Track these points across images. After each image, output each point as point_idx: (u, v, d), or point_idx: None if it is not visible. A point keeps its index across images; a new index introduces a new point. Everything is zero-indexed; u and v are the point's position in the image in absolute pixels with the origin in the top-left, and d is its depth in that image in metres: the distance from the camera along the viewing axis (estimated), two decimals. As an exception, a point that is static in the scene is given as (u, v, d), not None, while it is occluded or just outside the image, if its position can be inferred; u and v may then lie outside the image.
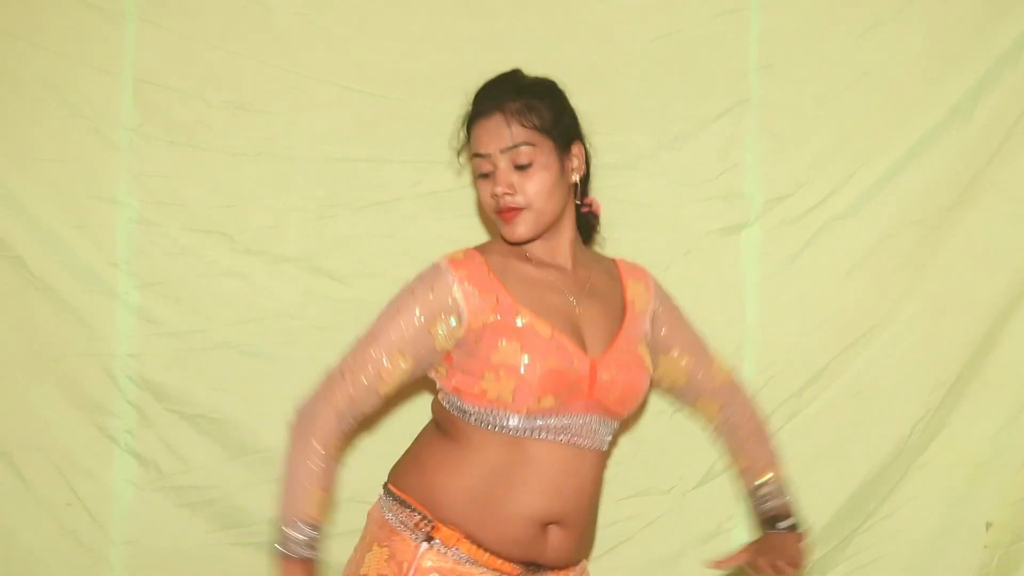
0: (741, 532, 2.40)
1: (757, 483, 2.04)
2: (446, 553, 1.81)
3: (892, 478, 2.40)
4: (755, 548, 1.98)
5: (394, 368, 1.84)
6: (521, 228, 1.85)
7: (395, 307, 1.86)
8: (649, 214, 2.42)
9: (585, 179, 1.97)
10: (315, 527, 1.81)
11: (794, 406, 2.41)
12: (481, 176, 1.89)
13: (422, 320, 1.82)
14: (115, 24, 2.38)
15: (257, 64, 2.40)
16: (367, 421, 2.19)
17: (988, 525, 2.44)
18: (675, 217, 2.41)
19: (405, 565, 1.81)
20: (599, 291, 1.93)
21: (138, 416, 2.41)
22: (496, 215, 1.87)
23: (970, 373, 2.40)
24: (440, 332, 1.83)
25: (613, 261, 2.02)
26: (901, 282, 2.41)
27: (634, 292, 1.97)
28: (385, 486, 1.94)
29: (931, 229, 2.39)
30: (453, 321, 1.82)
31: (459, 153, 1.99)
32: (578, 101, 2.37)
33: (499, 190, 1.84)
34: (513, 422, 1.80)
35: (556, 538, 1.84)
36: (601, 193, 2.39)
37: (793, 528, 2.01)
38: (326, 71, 2.39)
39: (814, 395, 2.42)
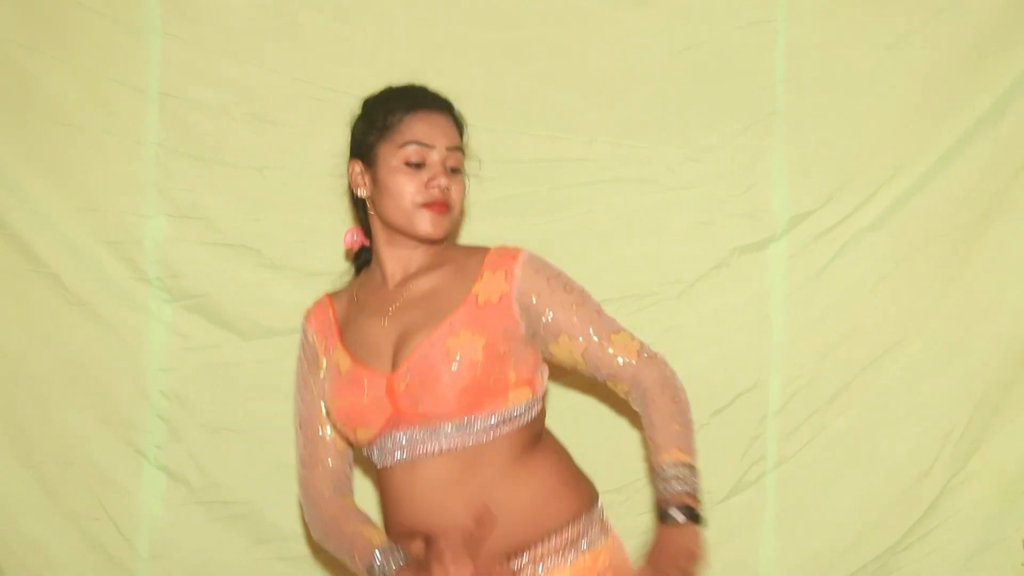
0: (769, 547, 2.45)
1: (655, 466, 1.86)
2: None
3: (928, 495, 2.43)
4: (645, 561, 1.80)
5: (335, 439, 1.98)
6: (438, 229, 1.90)
7: (297, 384, 2.02)
8: (674, 228, 2.46)
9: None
10: (384, 547, 1.85)
11: (821, 420, 2.46)
12: (410, 165, 1.89)
13: (314, 386, 1.97)
14: (140, 38, 2.45)
15: (282, 77, 2.46)
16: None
17: (1025, 542, 2.48)
18: (701, 231, 2.46)
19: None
20: (432, 294, 1.90)
21: (168, 431, 2.48)
22: (422, 208, 1.88)
23: (1002, 388, 2.43)
24: (322, 374, 1.96)
25: (485, 251, 1.93)
26: (928, 296, 2.44)
27: (485, 284, 1.88)
28: None
29: (958, 242, 2.43)
30: (320, 371, 1.97)
31: (353, 122, 2.01)
32: (602, 113, 2.46)
33: (444, 182, 1.88)
34: (368, 455, 1.92)
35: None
36: (626, 206, 2.45)
37: (677, 520, 1.79)
38: (351, 84, 2.40)
39: (841, 409, 2.45)
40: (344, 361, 1.91)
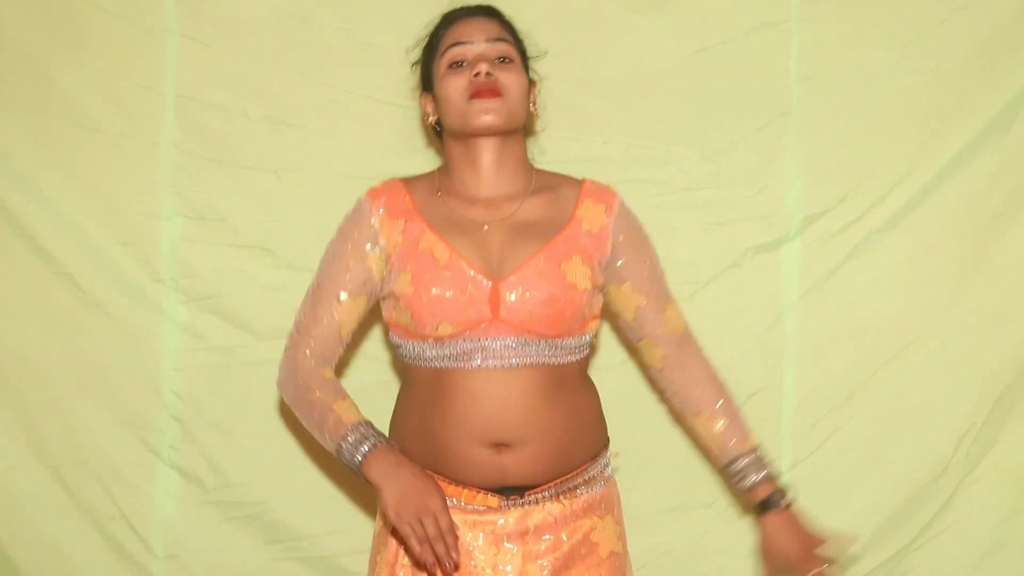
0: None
1: (729, 458, 2.01)
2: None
3: (941, 495, 2.45)
4: (764, 558, 1.95)
5: (345, 309, 1.96)
6: (492, 115, 1.89)
7: (330, 251, 2.00)
8: (688, 229, 2.48)
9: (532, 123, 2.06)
10: (361, 422, 1.88)
11: (835, 420, 2.48)
12: (454, 67, 1.93)
13: (355, 255, 1.95)
14: (156, 41, 2.47)
15: (298, 79, 2.48)
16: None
17: (1039, 543, 2.48)
18: (715, 232, 2.48)
19: (381, 550, 1.97)
20: (531, 219, 1.94)
21: (182, 431, 2.50)
22: (470, 99, 1.89)
23: (1017, 387, 2.45)
24: (373, 264, 1.94)
25: (580, 182, 2.02)
26: (942, 295, 2.46)
27: (587, 211, 1.96)
28: None
29: (972, 241, 2.44)
30: (377, 249, 1.94)
31: (415, 64, 2.05)
32: (617, 114, 2.47)
33: (484, 67, 1.89)
34: (429, 352, 1.90)
35: (514, 459, 1.88)
36: (641, 205, 2.46)
37: (780, 505, 1.99)
38: (367, 86, 2.47)
39: (856, 409, 2.47)
40: (440, 248, 1.89)
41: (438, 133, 2.03)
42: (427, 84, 2.02)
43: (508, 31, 1.99)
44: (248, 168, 2.48)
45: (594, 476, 1.96)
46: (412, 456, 1.89)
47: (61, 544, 2.51)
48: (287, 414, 2.50)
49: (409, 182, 2.01)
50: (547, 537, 1.90)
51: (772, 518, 1.98)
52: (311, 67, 2.48)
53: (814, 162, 2.46)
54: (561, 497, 1.92)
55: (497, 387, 1.87)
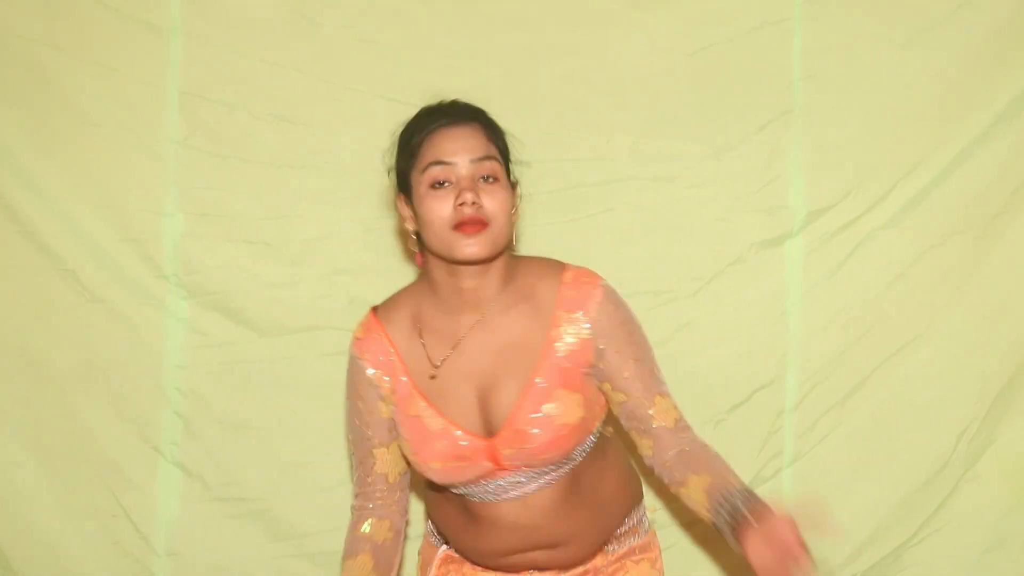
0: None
1: (719, 494, 1.82)
2: (457, 554, 1.98)
3: (942, 490, 2.47)
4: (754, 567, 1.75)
5: (385, 462, 1.98)
6: (478, 247, 1.80)
7: (349, 415, 2.01)
8: (692, 225, 2.49)
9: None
10: None
11: (838, 417, 2.49)
12: (436, 186, 1.81)
13: (368, 410, 1.95)
14: (160, 38, 2.48)
15: (302, 76, 2.49)
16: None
17: (1039, 539, 2.51)
18: (718, 228, 2.49)
19: (428, 567, 2.01)
20: (511, 338, 1.88)
21: (184, 427, 2.51)
22: (453, 230, 1.80)
23: (1017, 384, 2.47)
24: (387, 409, 1.95)
25: (558, 284, 1.88)
26: (945, 292, 2.47)
27: (564, 330, 1.87)
28: None
29: (975, 239, 2.46)
30: (381, 398, 1.95)
31: (390, 170, 1.95)
32: (621, 112, 2.49)
33: (469, 197, 1.78)
34: (446, 490, 1.95)
35: (544, 556, 1.94)
36: (645, 204, 2.49)
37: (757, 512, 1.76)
38: (370, 83, 2.48)
39: (858, 406, 2.49)
40: (430, 417, 1.88)
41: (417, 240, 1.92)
42: (404, 187, 1.90)
43: (493, 140, 1.88)
44: (252, 164, 2.49)
45: (628, 530, 2.01)
46: (444, 537, 2.02)
47: (62, 541, 2.51)
48: (290, 411, 2.51)
49: (386, 319, 1.94)
50: None
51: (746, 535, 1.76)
52: (315, 64, 2.49)
53: (817, 159, 2.48)
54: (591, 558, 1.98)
55: (519, 512, 1.91)
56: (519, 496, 1.89)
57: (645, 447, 1.93)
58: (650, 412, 1.90)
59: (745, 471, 2.45)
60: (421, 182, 1.83)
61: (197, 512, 2.52)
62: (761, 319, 2.49)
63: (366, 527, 1.97)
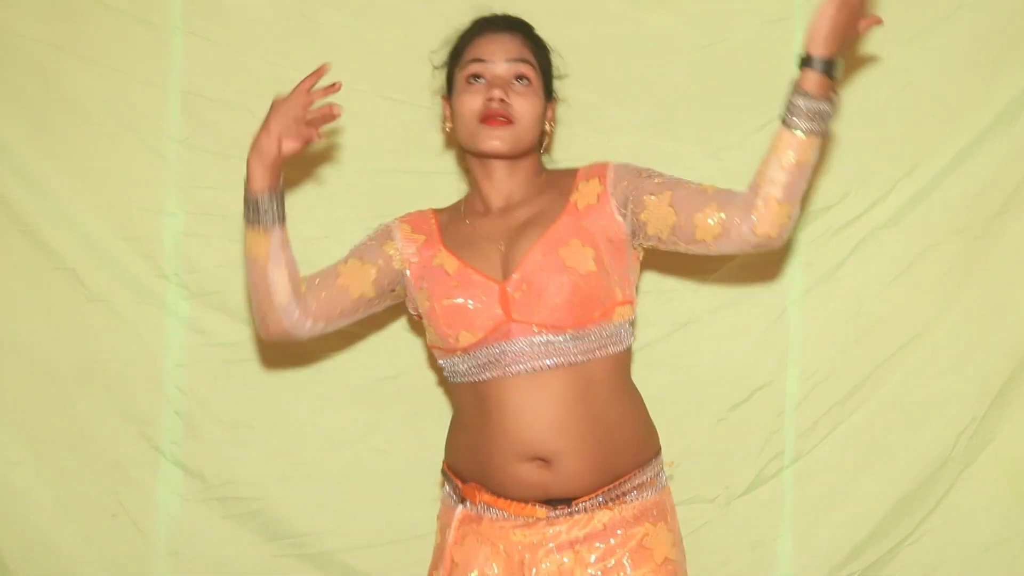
0: (787, 541, 2.49)
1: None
2: (475, 510, 1.96)
3: (940, 488, 2.48)
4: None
5: (351, 269, 2.03)
6: (500, 141, 1.94)
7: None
8: (693, 224, 2.49)
9: (549, 141, 2.07)
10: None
11: (838, 415, 2.50)
12: (471, 81, 1.98)
13: (374, 240, 2.06)
14: (161, 37, 2.50)
15: (302, 76, 2.44)
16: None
17: (1042, 534, 2.51)
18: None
19: (447, 529, 1.99)
20: (533, 218, 1.98)
21: (184, 427, 2.52)
22: (480, 123, 1.95)
23: (1017, 382, 2.47)
24: (391, 252, 2.02)
25: (575, 172, 2.03)
26: (945, 291, 2.48)
27: (581, 192, 1.98)
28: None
29: (975, 238, 2.47)
30: (394, 248, 2.03)
31: (439, 67, 2.11)
32: (622, 110, 2.50)
33: (497, 93, 1.94)
34: (461, 366, 1.95)
35: (554, 474, 1.89)
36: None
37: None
38: (372, 83, 2.49)
39: (858, 404, 2.50)
40: (450, 262, 1.97)
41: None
42: (447, 87, 2.07)
43: (532, 50, 2.03)
44: (252, 164, 2.49)
45: (644, 482, 1.96)
46: (464, 473, 1.98)
47: (61, 540, 2.52)
48: (290, 410, 2.52)
49: (438, 210, 2.10)
50: (598, 545, 1.91)
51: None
52: (315, 63, 2.46)
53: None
54: (611, 504, 1.92)
55: (527, 396, 1.89)
56: (528, 371, 1.88)
57: (714, 220, 1.86)
58: (699, 187, 1.91)
59: (746, 470, 2.50)
60: (460, 78, 2.00)
61: (197, 511, 2.52)
62: (762, 318, 2.50)
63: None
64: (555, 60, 2.09)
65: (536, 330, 1.89)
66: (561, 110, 2.44)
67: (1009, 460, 2.48)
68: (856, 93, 2.47)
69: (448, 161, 2.49)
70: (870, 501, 2.48)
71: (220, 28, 2.49)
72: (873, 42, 2.47)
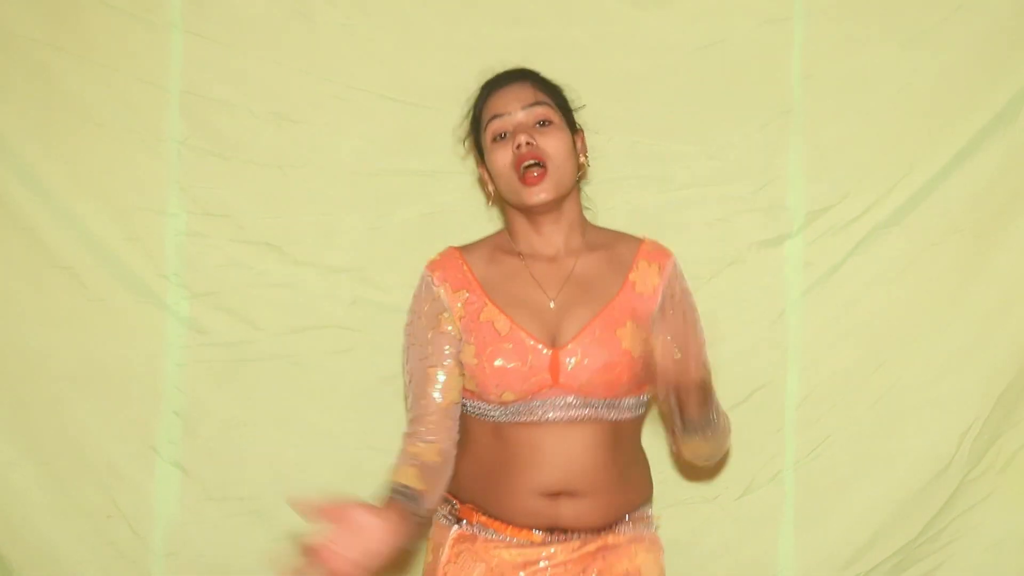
0: (787, 542, 2.49)
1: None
2: (470, 530, 1.99)
3: (945, 491, 2.47)
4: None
5: (449, 387, 2.00)
6: (543, 193, 1.97)
7: (409, 336, 2.07)
8: (692, 225, 2.51)
9: (583, 173, 2.11)
10: (399, 483, 1.91)
11: (838, 416, 2.50)
12: (497, 139, 2.02)
13: (432, 328, 2.01)
14: (161, 37, 2.50)
15: (302, 76, 2.52)
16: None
17: (1047, 535, 2.50)
18: (718, 228, 2.51)
19: (440, 548, 2.01)
20: (588, 277, 2.03)
21: (183, 427, 2.51)
22: (518, 179, 1.98)
23: (1020, 383, 2.47)
24: (450, 328, 2.00)
25: (638, 242, 2.09)
26: (945, 291, 2.48)
27: (640, 273, 2.04)
28: None
29: (975, 238, 2.47)
30: (447, 315, 2.01)
31: (464, 139, 2.15)
32: (621, 110, 2.51)
33: (523, 138, 1.97)
34: (493, 412, 1.97)
35: (570, 507, 1.96)
36: (644, 202, 2.50)
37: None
38: (372, 82, 2.51)
39: (858, 405, 2.50)
40: (500, 321, 1.98)
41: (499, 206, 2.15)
42: (479, 155, 2.12)
43: (544, 90, 2.07)
44: (252, 164, 2.51)
45: (638, 517, 2.04)
46: (462, 495, 2.00)
47: (58, 541, 2.50)
48: (289, 411, 2.52)
49: (465, 251, 2.09)
50: (590, 566, 1.97)
51: None
52: (316, 64, 2.51)
53: (817, 159, 2.49)
54: (604, 532, 1.99)
55: (560, 440, 1.95)
56: (562, 420, 1.94)
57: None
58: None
59: (745, 471, 2.50)
60: (487, 140, 2.05)
61: (195, 512, 2.51)
62: (761, 319, 2.50)
63: (415, 448, 1.99)
64: (569, 95, 2.12)
65: (576, 394, 1.95)
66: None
67: (1013, 461, 2.48)
68: (855, 93, 2.49)
69: (446, 160, 2.49)
70: (871, 501, 2.48)
71: (219, 28, 2.50)
72: (873, 42, 2.49)
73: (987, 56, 2.46)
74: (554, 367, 1.94)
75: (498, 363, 1.94)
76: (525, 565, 1.96)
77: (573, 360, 1.94)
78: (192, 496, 2.52)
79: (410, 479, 1.90)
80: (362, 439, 2.50)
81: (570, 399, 1.95)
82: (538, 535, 1.96)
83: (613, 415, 1.97)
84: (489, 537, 1.98)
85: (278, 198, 2.51)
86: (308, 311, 2.51)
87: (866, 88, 2.48)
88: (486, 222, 2.46)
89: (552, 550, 1.96)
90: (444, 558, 2.00)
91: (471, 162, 2.46)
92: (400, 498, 1.86)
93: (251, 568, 2.51)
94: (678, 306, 2.05)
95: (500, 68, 2.43)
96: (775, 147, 2.50)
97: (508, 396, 1.95)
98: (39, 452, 2.50)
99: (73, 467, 2.51)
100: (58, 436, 2.51)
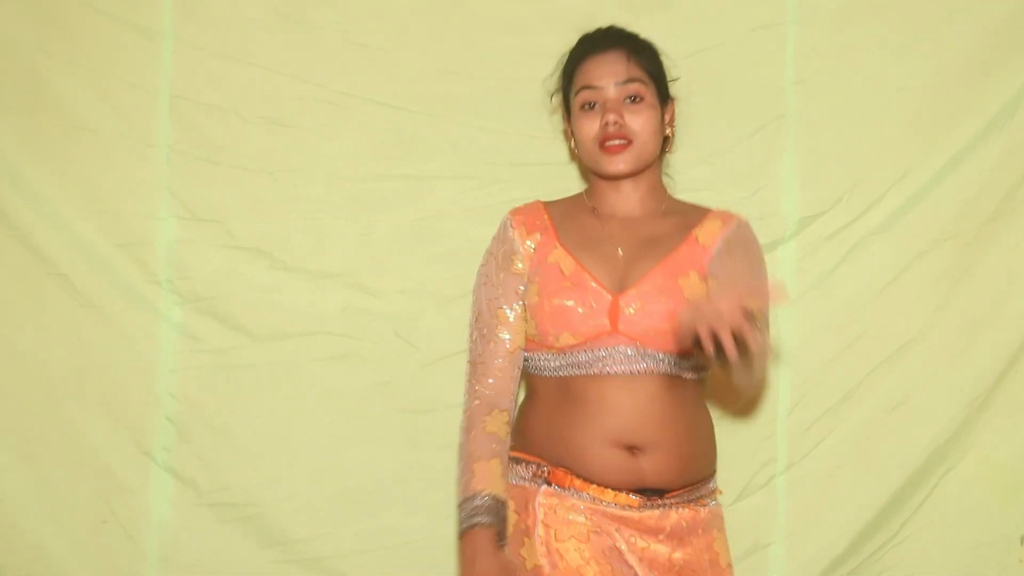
0: (779, 548, 2.50)
1: None
2: (562, 493, 2.01)
3: (923, 490, 2.49)
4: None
5: (514, 326, 2.08)
6: (622, 164, 2.06)
7: (481, 275, 2.16)
8: (685, 230, 2.50)
9: (670, 144, 2.21)
10: (482, 495, 1.98)
11: (829, 422, 2.50)
12: (585, 107, 2.09)
13: (504, 268, 2.09)
14: (151, 42, 2.50)
15: (293, 81, 2.51)
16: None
17: (1023, 539, 2.52)
18: (712, 233, 2.50)
19: (529, 504, 2.02)
20: (658, 236, 2.09)
21: (177, 433, 2.52)
22: (599, 149, 2.07)
23: (1004, 388, 2.48)
24: (521, 270, 2.07)
25: (709, 209, 2.16)
26: (936, 298, 2.49)
27: (704, 228, 2.10)
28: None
29: (966, 245, 2.48)
30: (518, 258, 2.08)
31: (552, 95, 2.26)
32: (615, 116, 2.48)
33: (612, 117, 2.04)
34: (552, 362, 2.02)
35: (648, 462, 2.00)
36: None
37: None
38: (363, 88, 2.50)
39: (849, 411, 2.50)
40: (567, 262, 2.04)
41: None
42: (565, 108, 2.20)
43: (639, 63, 2.12)
44: (244, 169, 2.50)
45: (714, 491, 2.13)
46: (547, 459, 2.02)
47: (52, 547, 2.50)
48: (282, 417, 2.52)
49: (549, 204, 2.18)
50: (679, 540, 2.02)
51: None
52: (306, 68, 2.51)
53: (810, 165, 2.50)
54: (692, 504, 2.05)
55: (625, 392, 1.99)
56: (625, 373, 1.98)
57: None
58: None
59: (738, 477, 2.50)
60: (575, 104, 2.12)
61: (189, 517, 2.51)
62: (754, 324, 2.50)
63: (489, 423, 2.05)
64: (666, 62, 2.19)
65: (638, 345, 1.97)
66: (554, 116, 2.47)
67: (991, 464, 2.49)
68: (848, 98, 2.49)
69: (438, 165, 2.49)
70: (863, 507, 2.49)
71: (209, 33, 2.49)
72: (866, 47, 2.49)
73: (980, 62, 2.46)
74: (613, 313, 1.98)
75: (557, 301, 2.00)
76: (621, 522, 1.99)
77: (633, 307, 1.98)
78: (186, 502, 2.52)
79: (497, 484, 1.99)
80: (354, 446, 2.51)
81: (630, 351, 1.98)
82: (634, 499, 1.99)
83: (674, 370, 2.00)
84: (575, 503, 2.00)
85: (269, 203, 2.50)
86: (300, 317, 2.51)
87: (859, 94, 2.48)
88: (480, 227, 2.45)
89: (647, 514, 2.00)
90: (540, 515, 2.01)
91: (465, 168, 2.47)
92: (498, 521, 1.97)
93: (244, 574, 2.53)
94: (742, 252, 2.08)
95: (496, 74, 2.48)
96: (768, 152, 2.50)
97: (566, 339, 1.99)
98: (33, 458, 2.50)
99: (67, 473, 2.51)
100: (52, 442, 2.51)
